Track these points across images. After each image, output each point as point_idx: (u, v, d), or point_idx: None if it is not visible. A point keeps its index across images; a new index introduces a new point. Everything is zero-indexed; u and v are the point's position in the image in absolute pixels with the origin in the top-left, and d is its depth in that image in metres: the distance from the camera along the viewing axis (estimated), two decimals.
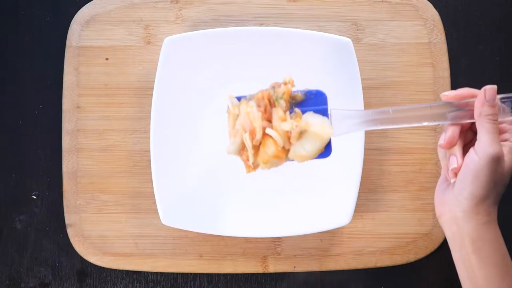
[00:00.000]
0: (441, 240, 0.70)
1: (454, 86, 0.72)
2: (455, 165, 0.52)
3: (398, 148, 0.71)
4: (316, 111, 0.55)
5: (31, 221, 0.72)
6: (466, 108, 0.52)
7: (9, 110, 0.73)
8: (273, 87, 0.57)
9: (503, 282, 0.50)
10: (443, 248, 0.71)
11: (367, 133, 0.68)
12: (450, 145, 0.52)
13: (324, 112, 0.55)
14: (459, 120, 0.52)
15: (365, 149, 0.66)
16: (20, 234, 0.72)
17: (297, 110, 0.55)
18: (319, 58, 0.67)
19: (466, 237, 0.51)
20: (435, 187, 0.70)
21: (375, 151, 0.71)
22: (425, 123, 0.52)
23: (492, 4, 0.75)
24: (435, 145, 0.71)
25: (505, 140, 0.52)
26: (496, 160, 0.49)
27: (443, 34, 0.72)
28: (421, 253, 0.70)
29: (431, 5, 0.72)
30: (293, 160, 0.56)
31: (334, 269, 0.70)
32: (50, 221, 0.72)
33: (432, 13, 0.72)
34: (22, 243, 0.72)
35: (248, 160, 0.57)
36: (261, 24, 0.72)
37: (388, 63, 0.72)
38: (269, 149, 0.55)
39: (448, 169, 0.53)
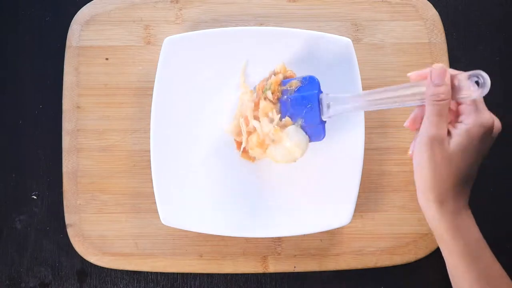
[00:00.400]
0: None
1: None
2: (410, 151, 0.52)
3: (398, 148, 0.71)
4: (306, 96, 0.60)
5: (31, 221, 0.72)
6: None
7: (9, 110, 0.73)
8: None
9: (468, 270, 0.49)
10: None
11: (367, 133, 0.68)
12: (412, 126, 0.52)
13: (314, 97, 0.59)
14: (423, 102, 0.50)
15: (365, 149, 0.66)
16: (20, 234, 0.72)
17: (287, 119, 0.61)
18: (319, 58, 0.67)
19: (430, 225, 0.51)
20: None
21: (375, 151, 0.71)
22: (396, 105, 0.52)
23: (492, 4, 0.75)
24: None
25: (460, 122, 0.49)
26: (431, 144, 0.48)
27: (443, 34, 0.72)
28: (421, 253, 0.70)
29: (431, 5, 0.72)
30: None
31: (334, 269, 0.70)
32: (50, 221, 0.72)
33: (432, 13, 0.72)
34: (22, 243, 0.72)
35: (247, 155, 0.65)
36: (261, 24, 0.72)
37: (388, 63, 0.72)
38: (254, 137, 0.62)
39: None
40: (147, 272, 0.71)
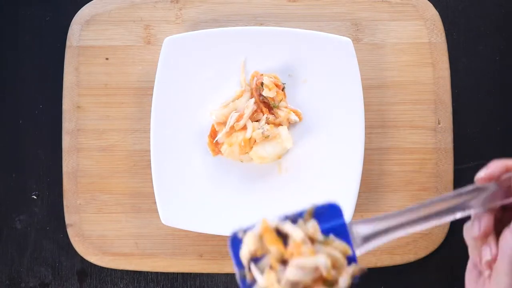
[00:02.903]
0: (441, 240, 0.70)
1: (454, 86, 0.72)
2: (488, 257, 0.43)
3: (398, 148, 0.71)
4: (332, 228, 0.46)
5: (31, 221, 0.72)
6: (501, 186, 0.44)
7: (9, 110, 0.73)
8: None
9: None
10: (443, 248, 0.71)
11: (367, 133, 0.68)
12: (486, 236, 0.44)
13: (342, 228, 0.46)
14: (494, 203, 0.44)
15: (365, 149, 0.66)
16: (20, 234, 0.72)
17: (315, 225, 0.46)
18: (319, 58, 0.67)
19: None
20: (435, 186, 0.70)
21: (375, 151, 0.71)
22: (459, 216, 0.44)
23: (492, 4, 0.75)
24: (435, 145, 0.71)
25: None
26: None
27: (443, 34, 0.72)
28: (421, 253, 0.70)
29: (431, 5, 0.72)
30: (251, 160, 0.66)
31: None
32: (50, 221, 0.72)
33: (432, 13, 0.72)
34: (22, 243, 0.72)
35: (215, 145, 0.66)
36: (261, 24, 0.72)
37: (388, 63, 0.72)
38: (239, 136, 0.64)
39: (480, 260, 0.44)
40: (147, 272, 0.71)
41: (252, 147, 0.66)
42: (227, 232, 0.66)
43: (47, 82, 0.73)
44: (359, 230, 0.45)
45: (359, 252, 0.45)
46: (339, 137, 0.67)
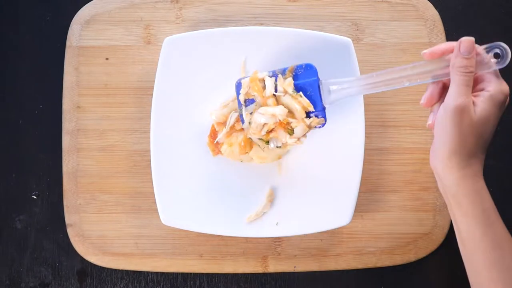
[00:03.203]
0: (441, 240, 0.70)
1: None
2: (429, 121, 0.53)
3: (398, 148, 0.71)
4: (306, 84, 0.59)
5: (31, 221, 0.72)
6: (444, 64, 0.52)
7: (9, 110, 0.73)
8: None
9: (485, 236, 0.50)
10: (443, 248, 0.71)
11: (367, 133, 0.68)
12: (429, 103, 0.53)
13: (314, 84, 0.59)
14: (438, 78, 0.52)
15: (365, 149, 0.66)
16: (20, 234, 0.72)
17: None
18: (319, 58, 0.67)
19: (447, 191, 0.51)
20: (435, 187, 0.70)
21: (375, 151, 0.71)
22: (407, 84, 0.53)
23: (492, 4, 0.75)
24: None
25: (482, 90, 0.51)
26: (460, 112, 0.49)
27: (443, 34, 0.72)
28: (421, 253, 0.70)
29: (431, 5, 0.72)
30: (251, 160, 0.67)
31: (334, 269, 0.70)
32: (50, 221, 0.72)
33: (432, 13, 0.72)
34: (22, 243, 0.72)
35: (215, 145, 0.66)
36: (261, 24, 0.72)
37: (388, 63, 0.72)
38: (239, 136, 0.64)
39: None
40: (147, 272, 0.71)
41: (252, 147, 0.66)
42: (227, 232, 0.66)
43: (47, 82, 0.73)
44: (329, 86, 0.58)
45: (326, 103, 0.59)
46: (339, 137, 0.67)
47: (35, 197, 0.72)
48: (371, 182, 0.71)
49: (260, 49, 0.67)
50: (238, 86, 0.63)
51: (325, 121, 0.60)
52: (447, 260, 0.71)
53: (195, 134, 0.68)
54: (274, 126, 0.62)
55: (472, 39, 0.50)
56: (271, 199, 0.67)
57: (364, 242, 0.70)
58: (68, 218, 0.70)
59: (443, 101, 0.51)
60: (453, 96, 0.49)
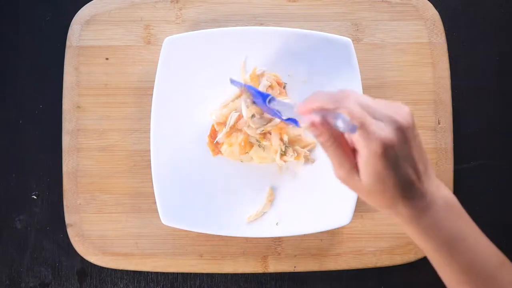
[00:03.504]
0: None
1: (454, 86, 0.72)
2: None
3: None
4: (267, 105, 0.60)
5: (31, 221, 0.72)
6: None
7: (9, 110, 0.73)
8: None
9: (450, 267, 0.48)
10: None
11: None
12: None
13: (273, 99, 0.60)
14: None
15: None
16: (20, 234, 0.72)
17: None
18: (319, 58, 0.67)
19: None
20: None
21: None
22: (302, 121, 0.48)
23: (492, 4, 0.75)
24: (435, 145, 0.71)
25: (358, 153, 0.46)
26: (343, 181, 0.47)
27: (443, 34, 0.72)
28: (421, 253, 0.70)
29: (431, 5, 0.72)
30: (251, 160, 0.67)
31: (334, 269, 0.70)
32: (50, 221, 0.72)
33: (432, 13, 0.72)
34: (22, 243, 0.72)
35: (215, 145, 0.67)
36: (261, 24, 0.72)
37: (388, 63, 0.72)
38: (239, 136, 0.65)
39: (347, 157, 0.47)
40: (147, 272, 0.71)
41: (252, 146, 0.66)
42: (227, 232, 0.66)
43: (47, 82, 0.73)
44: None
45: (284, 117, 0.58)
46: None
47: (35, 197, 0.72)
48: None
49: (260, 49, 0.67)
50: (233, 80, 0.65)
51: (298, 124, 0.58)
52: None
53: (195, 134, 0.68)
54: (270, 129, 0.64)
55: (312, 123, 0.45)
56: (271, 199, 0.67)
57: (364, 242, 0.70)
58: (68, 218, 0.70)
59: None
60: (334, 170, 0.48)
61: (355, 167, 0.46)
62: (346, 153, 0.46)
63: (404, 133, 0.45)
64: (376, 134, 0.44)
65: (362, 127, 0.44)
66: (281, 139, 0.65)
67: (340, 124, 0.42)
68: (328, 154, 0.47)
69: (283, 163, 0.66)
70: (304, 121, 0.45)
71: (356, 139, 0.45)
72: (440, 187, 0.48)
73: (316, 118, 0.44)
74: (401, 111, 0.45)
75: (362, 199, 0.48)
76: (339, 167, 0.47)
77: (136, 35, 0.72)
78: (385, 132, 0.44)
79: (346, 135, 0.47)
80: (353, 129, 0.43)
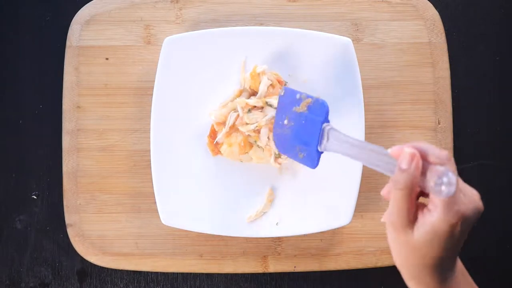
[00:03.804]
0: None
1: (454, 86, 0.72)
2: (383, 192, 0.48)
3: None
4: (311, 119, 0.56)
5: (31, 221, 0.72)
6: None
7: (9, 110, 0.73)
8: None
9: None
10: None
11: (367, 133, 0.68)
12: (387, 196, 0.47)
13: (317, 124, 0.55)
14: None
15: None
16: (20, 234, 0.72)
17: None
18: (319, 58, 0.67)
19: None
20: None
21: None
22: (379, 169, 0.47)
23: (492, 4, 0.75)
24: (435, 145, 0.71)
25: (429, 211, 0.45)
26: (392, 228, 0.46)
27: (443, 34, 0.72)
28: None
29: (431, 5, 0.72)
30: (251, 160, 0.66)
31: (334, 269, 0.70)
32: (50, 221, 0.72)
33: (432, 13, 0.72)
34: (22, 243, 0.72)
35: (214, 145, 0.66)
36: (261, 24, 0.72)
37: (388, 63, 0.72)
38: (239, 136, 0.65)
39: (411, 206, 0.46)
40: (147, 272, 0.71)
41: (252, 146, 0.66)
42: (227, 232, 0.66)
43: (47, 82, 0.73)
44: (330, 134, 0.54)
45: (321, 149, 0.56)
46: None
47: (35, 197, 0.72)
48: (371, 182, 0.71)
49: (260, 49, 0.67)
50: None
51: (316, 165, 0.57)
52: None
53: (195, 134, 0.68)
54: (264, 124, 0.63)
55: (413, 153, 0.44)
56: (271, 199, 0.67)
57: (364, 242, 0.70)
58: (68, 218, 0.70)
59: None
60: (388, 210, 0.45)
61: (412, 222, 0.45)
62: (411, 204, 0.45)
63: (478, 217, 0.45)
64: (460, 205, 0.43)
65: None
66: (269, 138, 0.64)
67: (443, 181, 0.41)
68: (395, 198, 0.44)
69: (278, 165, 0.66)
70: (403, 158, 0.43)
71: (437, 200, 0.43)
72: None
73: (418, 157, 0.43)
74: (478, 198, 0.45)
75: (394, 256, 0.47)
76: (397, 213, 0.44)
77: (136, 35, 0.72)
78: (468, 209, 0.44)
79: (428, 189, 0.44)
80: (450, 192, 0.41)
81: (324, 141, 0.55)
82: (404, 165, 0.43)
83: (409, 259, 0.46)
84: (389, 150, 0.46)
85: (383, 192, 0.47)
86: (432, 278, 0.46)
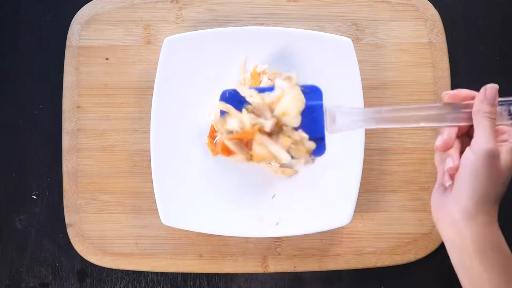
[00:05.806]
0: (441, 240, 0.70)
1: (454, 86, 0.72)
2: (451, 165, 0.50)
3: (398, 148, 0.71)
4: (310, 106, 0.55)
5: (31, 221, 0.72)
6: (464, 110, 0.51)
7: (9, 110, 0.73)
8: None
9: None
10: (443, 248, 0.71)
11: (367, 133, 0.68)
12: (446, 147, 0.50)
13: (319, 108, 0.55)
14: (457, 122, 0.51)
15: (365, 149, 0.66)
16: (20, 234, 0.72)
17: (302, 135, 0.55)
18: (319, 58, 0.67)
19: (467, 239, 0.48)
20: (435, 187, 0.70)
21: (375, 151, 0.71)
22: (422, 124, 0.51)
23: (492, 4, 0.75)
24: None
25: (504, 141, 0.50)
26: (492, 157, 0.47)
27: (443, 34, 0.72)
28: (421, 253, 0.70)
29: (431, 5, 0.72)
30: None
31: (334, 269, 0.70)
32: (50, 221, 0.72)
33: (432, 13, 0.72)
34: (22, 243, 0.72)
35: (215, 146, 0.64)
36: (261, 24, 0.72)
37: (388, 63, 0.72)
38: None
39: (444, 172, 0.51)
40: (147, 272, 0.71)
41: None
42: (227, 232, 0.66)
43: (47, 82, 0.73)
44: (335, 114, 0.54)
45: (329, 132, 0.54)
46: (339, 137, 0.67)
47: (35, 197, 0.72)
48: (371, 182, 0.71)
49: (260, 49, 0.68)
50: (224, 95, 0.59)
51: (324, 150, 0.56)
52: (447, 260, 0.71)
53: (195, 134, 0.68)
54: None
55: (496, 87, 0.51)
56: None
57: (364, 242, 0.70)
58: (68, 218, 0.70)
59: (460, 146, 0.51)
60: (483, 141, 0.48)
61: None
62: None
63: None
64: None
65: None
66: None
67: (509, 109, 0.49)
68: (488, 124, 0.49)
69: (281, 170, 0.66)
70: (490, 94, 0.50)
71: (509, 129, 0.50)
72: None
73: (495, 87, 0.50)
74: None
75: (473, 189, 0.48)
76: (492, 139, 0.48)
77: (136, 35, 0.72)
78: None
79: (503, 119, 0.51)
80: None
81: (330, 123, 0.54)
82: (493, 100, 0.50)
83: (497, 187, 0.48)
84: (446, 95, 0.52)
85: (442, 142, 0.50)
86: (495, 212, 0.49)
